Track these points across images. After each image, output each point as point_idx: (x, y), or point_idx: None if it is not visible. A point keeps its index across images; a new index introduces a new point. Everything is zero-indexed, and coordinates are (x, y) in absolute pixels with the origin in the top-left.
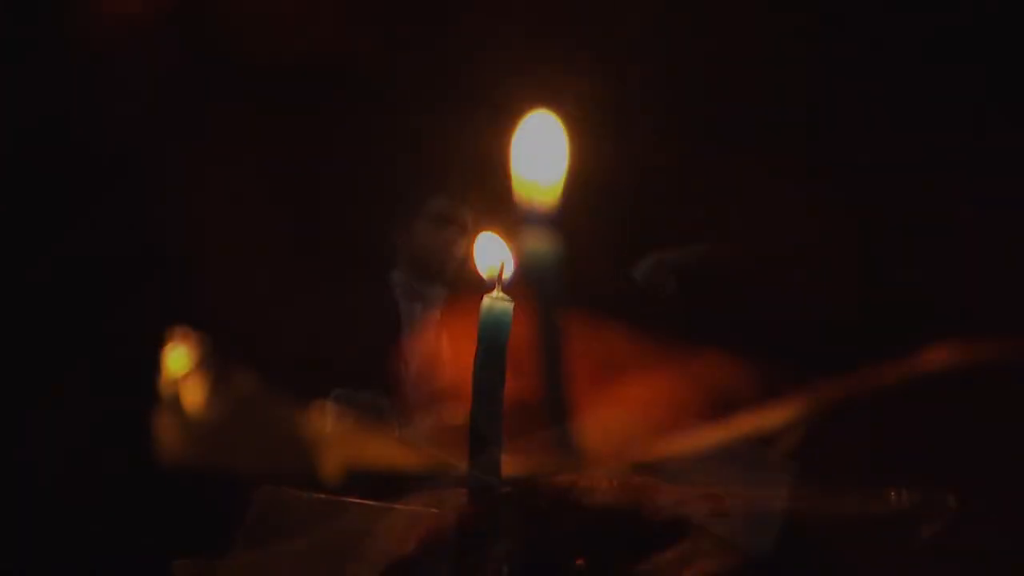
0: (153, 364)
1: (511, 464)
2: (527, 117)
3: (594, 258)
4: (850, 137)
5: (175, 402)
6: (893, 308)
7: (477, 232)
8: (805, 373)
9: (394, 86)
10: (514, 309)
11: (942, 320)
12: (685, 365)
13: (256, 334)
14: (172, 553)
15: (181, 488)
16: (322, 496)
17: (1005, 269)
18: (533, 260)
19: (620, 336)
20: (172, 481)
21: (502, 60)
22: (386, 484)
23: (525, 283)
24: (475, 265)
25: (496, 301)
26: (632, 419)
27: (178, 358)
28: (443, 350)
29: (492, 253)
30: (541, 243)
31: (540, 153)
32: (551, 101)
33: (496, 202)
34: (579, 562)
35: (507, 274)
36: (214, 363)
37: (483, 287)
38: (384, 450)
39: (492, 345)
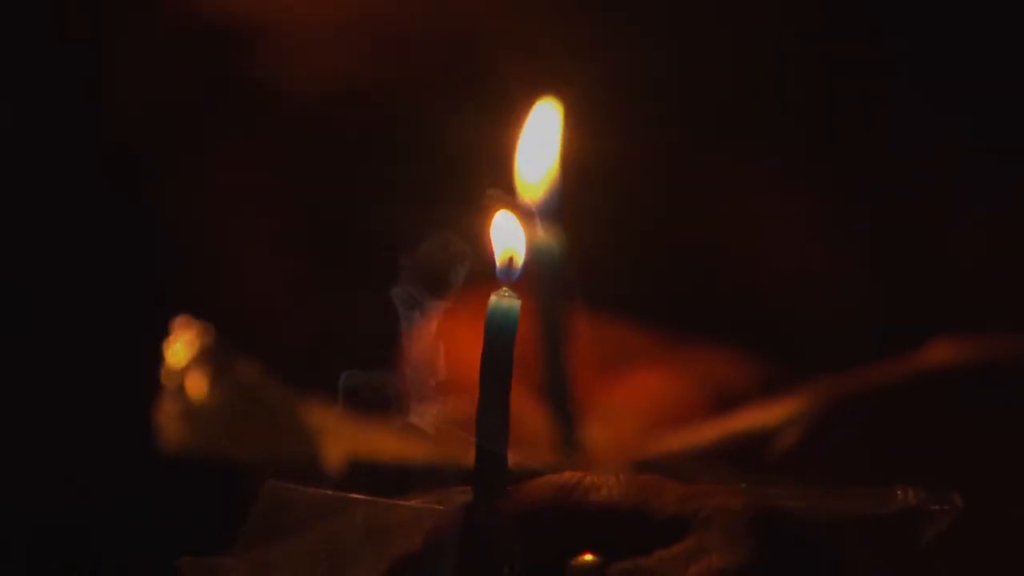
0: (156, 353)
1: (516, 461)
2: (529, 111)
3: (597, 253)
4: (855, 131)
5: (178, 391)
6: (896, 307)
7: (494, 210)
8: (806, 371)
9: (394, 86)
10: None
11: (947, 319)
12: (688, 362)
13: (259, 323)
14: (177, 549)
15: (186, 483)
16: (327, 492)
17: (1005, 269)
18: (536, 255)
19: (624, 333)
20: (177, 475)
21: (503, 56)
22: (389, 476)
23: (528, 278)
24: (489, 246)
25: (503, 299)
26: (635, 416)
27: (181, 347)
28: (446, 346)
29: (508, 234)
30: (543, 238)
31: (542, 146)
32: (553, 94)
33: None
34: (589, 557)
35: (520, 260)
36: (217, 352)
37: (495, 272)
38: (387, 442)
39: (499, 343)
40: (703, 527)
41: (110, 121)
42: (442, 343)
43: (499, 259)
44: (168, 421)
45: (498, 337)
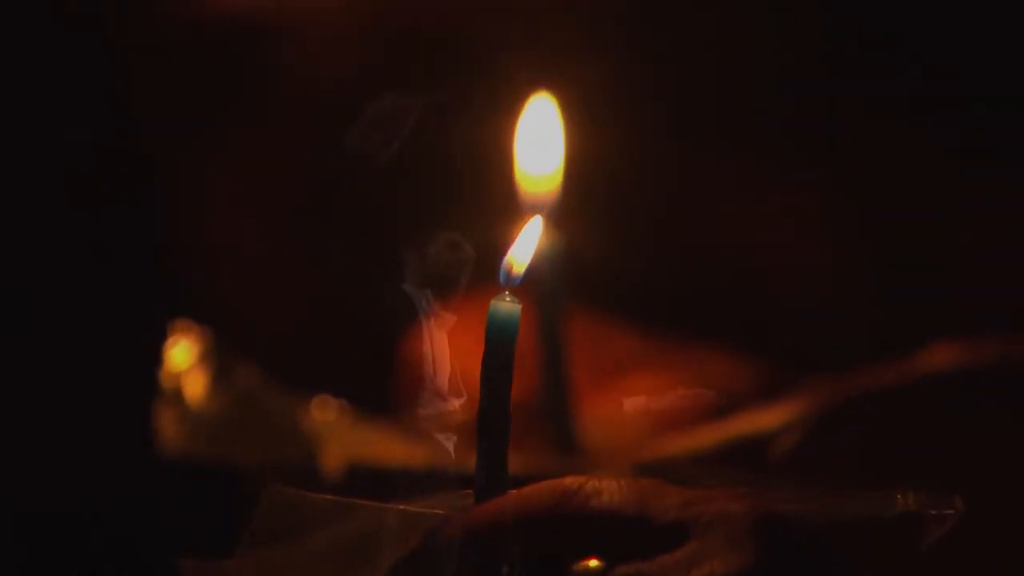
0: (156, 357)
1: (516, 465)
2: (526, 109)
3: (596, 255)
4: (855, 131)
5: (178, 396)
6: (895, 308)
7: (525, 219)
8: (806, 374)
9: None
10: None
11: (946, 320)
12: (688, 365)
13: (259, 328)
14: (178, 552)
15: (187, 486)
16: (328, 497)
17: (1005, 269)
18: (537, 259)
19: (623, 335)
20: (177, 479)
21: (503, 57)
22: (388, 479)
23: (528, 282)
24: (509, 252)
25: (504, 304)
26: (635, 419)
27: (181, 351)
28: (447, 349)
29: (531, 241)
30: (542, 238)
31: (540, 145)
32: (552, 91)
33: (501, 199)
34: (593, 563)
35: (524, 265)
36: (217, 356)
37: (503, 276)
38: (387, 445)
39: (499, 347)
40: (704, 532)
41: (110, 121)
42: (446, 345)
43: (512, 265)
44: (167, 425)
45: (499, 341)
